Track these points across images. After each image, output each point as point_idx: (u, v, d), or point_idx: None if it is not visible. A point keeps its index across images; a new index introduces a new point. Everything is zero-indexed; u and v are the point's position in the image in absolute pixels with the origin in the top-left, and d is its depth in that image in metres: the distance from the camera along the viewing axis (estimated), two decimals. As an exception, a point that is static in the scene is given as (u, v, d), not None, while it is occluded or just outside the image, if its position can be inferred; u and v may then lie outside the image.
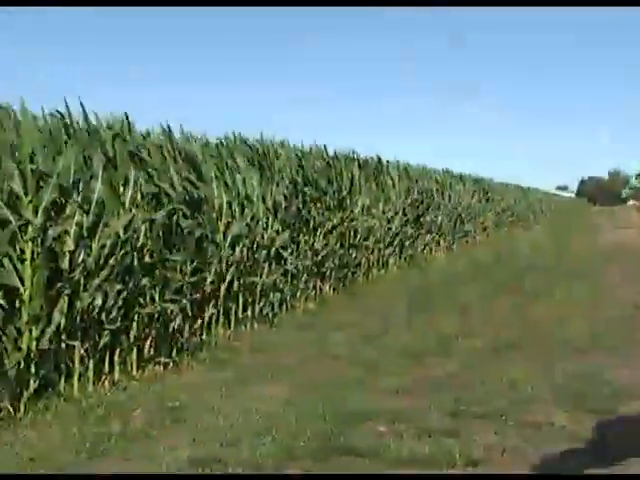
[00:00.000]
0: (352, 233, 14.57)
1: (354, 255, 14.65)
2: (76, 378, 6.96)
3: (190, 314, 8.78)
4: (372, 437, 6.05)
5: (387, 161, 18.24)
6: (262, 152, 11.61)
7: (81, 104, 7.82)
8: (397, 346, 9.43)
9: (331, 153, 14.55)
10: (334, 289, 13.68)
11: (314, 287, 12.87)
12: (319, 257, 12.84)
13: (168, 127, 9.66)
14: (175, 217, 8.39)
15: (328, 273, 13.42)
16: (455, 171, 27.00)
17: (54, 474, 4.96)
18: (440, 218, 21.87)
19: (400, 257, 18.16)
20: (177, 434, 6.11)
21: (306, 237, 12.40)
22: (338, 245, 13.75)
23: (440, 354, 9.08)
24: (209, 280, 9.10)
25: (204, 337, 9.22)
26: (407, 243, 18.61)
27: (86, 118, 7.82)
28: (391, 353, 9.07)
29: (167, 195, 8.34)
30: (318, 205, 12.97)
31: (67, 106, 7.74)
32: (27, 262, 6.47)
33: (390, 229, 17.01)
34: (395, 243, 17.47)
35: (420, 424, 6.38)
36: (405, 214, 18.20)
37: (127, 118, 8.40)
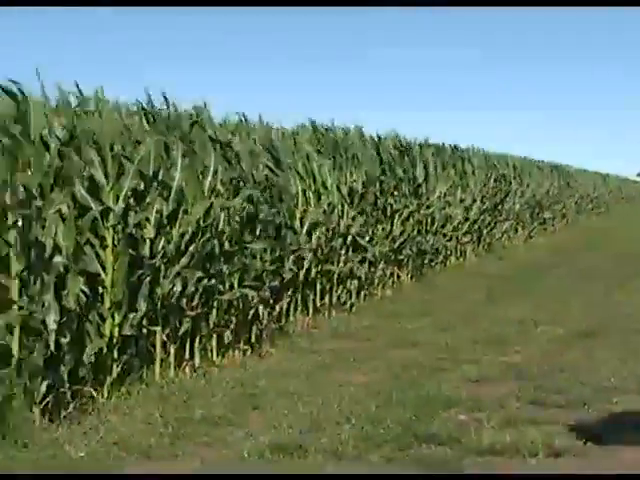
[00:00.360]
0: (429, 220, 14.49)
1: (431, 242, 14.56)
2: (157, 364, 7.03)
3: (269, 301, 8.80)
4: (452, 425, 6.00)
5: (465, 148, 18.12)
6: (335, 140, 11.59)
7: (163, 93, 7.91)
8: (476, 333, 9.36)
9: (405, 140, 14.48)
10: (412, 277, 13.62)
11: (391, 274, 12.82)
12: (396, 244, 12.79)
13: (244, 115, 9.72)
14: (255, 205, 8.40)
15: (405, 261, 13.36)
16: (534, 158, 26.71)
17: (57, 474, 4.95)
18: (518, 205, 21.61)
19: (478, 245, 18.02)
20: (257, 420, 6.13)
21: (383, 224, 12.36)
22: (415, 232, 13.68)
23: (520, 342, 8.99)
24: (287, 267, 9.11)
25: (283, 324, 9.26)
26: (485, 231, 18.45)
27: (167, 106, 7.89)
28: (470, 340, 9.00)
29: (246, 183, 8.37)
30: (395, 192, 12.91)
31: (148, 94, 7.81)
32: (108, 249, 6.54)
33: (468, 216, 16.88)
34: (473, 231, 17.33)
35: (501, 412, 6.32)
36: (483, 201, 18.04)
37: (206, 106, 8.44)
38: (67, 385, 5.97)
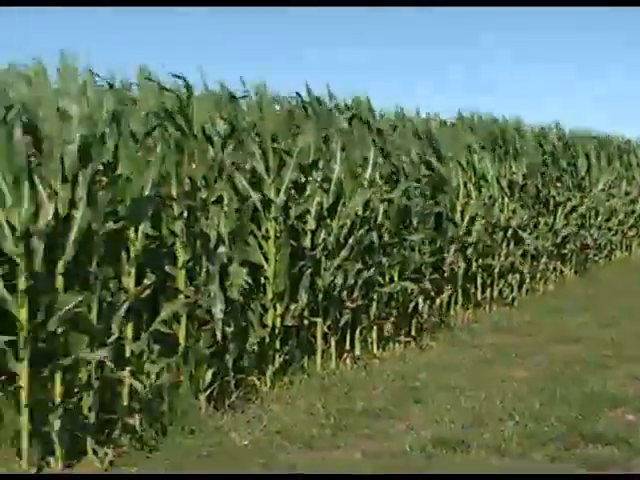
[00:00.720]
0: (593, 214, 14.08)
1: (595, 237, 14.16)
2: (319, 354, 7.07)
3: (429, 294, 8.73)
4: (620, 425, 5.81)
5: (629, 139, 17.57)
6: (495, 131, 11.38)
7: (327, 85, 7.95)
8: (641, 331, 9.04)
9: (567, 132, 14.14)
10: (575, 271, 13.28)
11: (554, 269, 12.53)
12: (559, 238, 12.48)
13: (401, 108, 9.66)
14: (411, 197, 8.34)
15: (569, 255, 13.03)
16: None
17: (53, 474, 4.93)
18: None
19: (645, 239, 17.42)
20: (418, 413, 6.10)
21: (546, 218, 12.09)
22: (579, 226, 13.32)
23: (691, 340, 8.62)
24: (448, 260, 9.02)
25: (443, 317, 9.17)
26: (653, 225, 17.80)
27: (330, 98, 7.92)
28: (636, 337, 8.74)
29: (406, 175, 8.32)
30: (558, 185, 12.61)
31: (307, 87, 7.83)
32: (271, 240, 6.61)
33: (634, 209, 16.34)
34: (639, 224, 16.77)
35: (671, 413, 6.08)
36: (650, 194, 17.42)
37: (367, 98, 8.40)
38: (231, 374, 6.07)
